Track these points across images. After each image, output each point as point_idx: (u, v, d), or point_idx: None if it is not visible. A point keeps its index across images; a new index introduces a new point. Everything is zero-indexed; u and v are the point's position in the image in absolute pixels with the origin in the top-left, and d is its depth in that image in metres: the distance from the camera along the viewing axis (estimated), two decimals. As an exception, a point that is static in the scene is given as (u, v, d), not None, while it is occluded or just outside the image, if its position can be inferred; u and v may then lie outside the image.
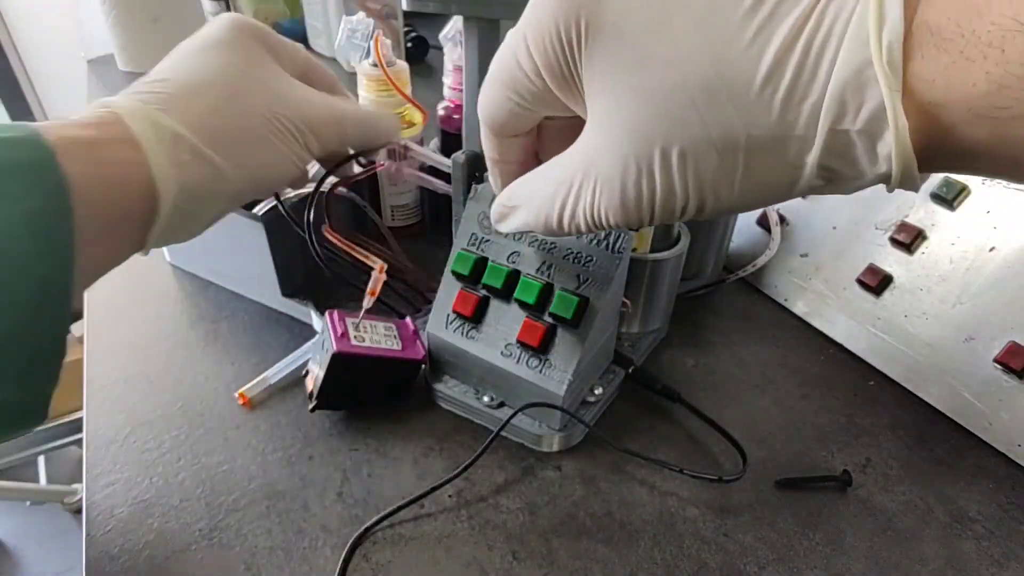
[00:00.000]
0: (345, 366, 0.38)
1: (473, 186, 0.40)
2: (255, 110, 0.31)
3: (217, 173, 0.30)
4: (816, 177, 0.21)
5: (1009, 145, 0.18)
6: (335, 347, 0.37)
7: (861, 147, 0.20)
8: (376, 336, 0.40)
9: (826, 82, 0.19)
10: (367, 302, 0.40)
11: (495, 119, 0.27)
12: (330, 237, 0.43)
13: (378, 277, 0.40)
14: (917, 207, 0.45)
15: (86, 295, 0.52)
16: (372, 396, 0.42)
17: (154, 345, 0.47)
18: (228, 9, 1.09)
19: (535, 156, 0.29)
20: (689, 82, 0.20)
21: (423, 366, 0.42)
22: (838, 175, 0.21)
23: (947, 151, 0.19)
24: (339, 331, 0.38)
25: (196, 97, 0.30)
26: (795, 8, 0.19)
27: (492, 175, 0.30)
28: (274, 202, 0.47)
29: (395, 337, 0.41)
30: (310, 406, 0.40)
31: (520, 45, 0.24)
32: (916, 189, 0.21)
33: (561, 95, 0.24)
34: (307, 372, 0.41)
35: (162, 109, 0.29)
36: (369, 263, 0.42)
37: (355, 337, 0.38)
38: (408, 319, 0.43)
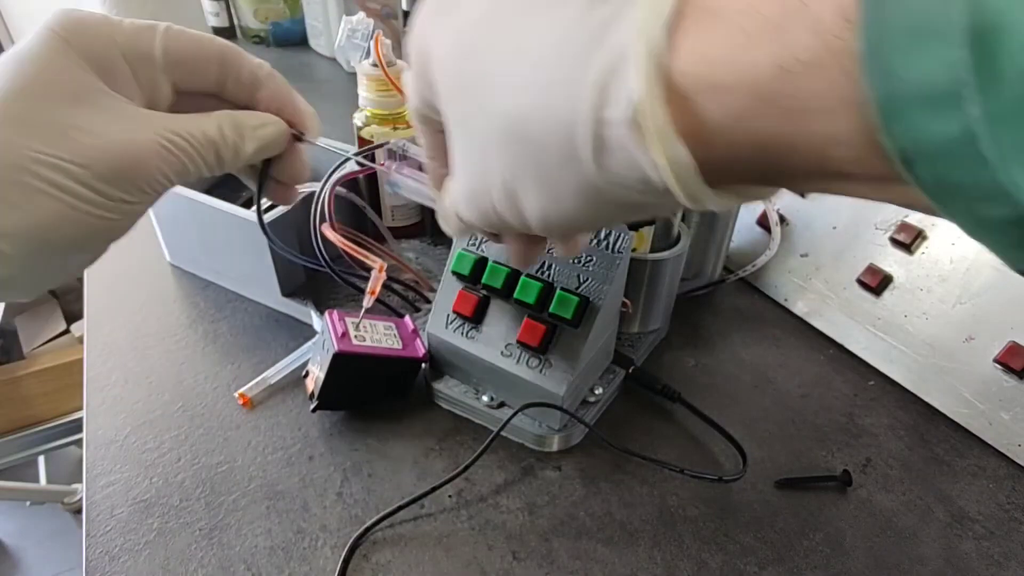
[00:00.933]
0: (346, 366, 0.38)
1: (473, 186, 0.40)
2: (16, 150, 0.24)
3: None
4: (608, 183, 0.19)
5: (802, 147, 0.16)
6: (336, 347, 0.37)
7: (635, 143, 0.17)
8: (376, 335, 0.40)
9: (601, 61, 0.18)
10: (367, 301, 0.40)
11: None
12: (331, 237, 0.43)
13: (378, 276, 0.40)
14: (917, 207, 0.45)
15: (86, 295, 0.52)
16: (373, 395, 0.41)
17: (154, 345, 0.47)
18: (228, 9, 1.09)
19: None
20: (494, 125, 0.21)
21: (424, 365, 0.42)
22: (626, 182, 0.19)
23: (738, 154, 0.17)
24: (339, 331, 0.38)
25: None
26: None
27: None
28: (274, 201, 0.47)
29: (395, 336, 0.41)
30: (311, 406, 0.40)
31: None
32: (715, 207, 0.19)
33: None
34: (307, 373, 0.41)
35: None
36: (369, 262, 0.42)
37: (356, 337, 0.38)
38: (407, 318, 0.43)
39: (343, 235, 0.43)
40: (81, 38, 0.27)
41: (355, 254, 0.42)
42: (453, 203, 0.26)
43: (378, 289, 0.40)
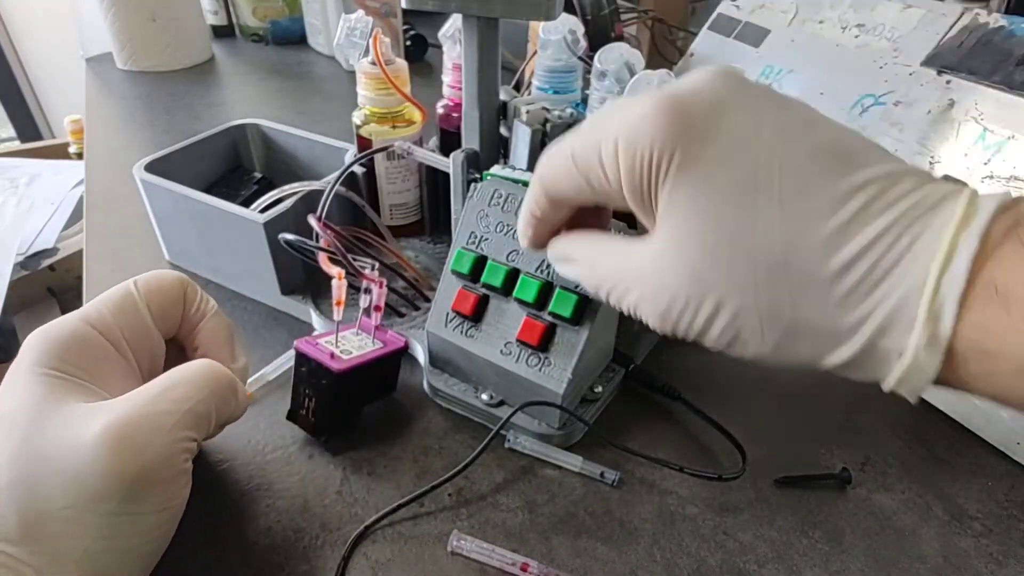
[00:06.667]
0: (348, 383, 0.37)
1: (472, 184, 0.40)
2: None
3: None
4: (838, 366, 0.22)
5: None
6: (334, 369, 0.36)
7: (883, 361, 0.21)
8: (354, 344, 0.39)
9: (881, 300, 0.20)
10: (337, 314, 0.39)
11: (558, 189, 0.28)
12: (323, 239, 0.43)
13: (339, 284, 0.39)
14: (916, 205, 0.45)
15: (85, 294, 0.52)
16: (368, 400, 0.41)
17: (153, 344, 0.47)
18: (227, 7, 1.08)
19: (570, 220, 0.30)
20: (757, 256, 0.22)
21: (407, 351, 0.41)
22: (856, 369, 0.22)
23: (969, 387, 0.21)
24: (327, 352, 0.37)
25: None
26: (878, 218, 0.20)
27: (525, 225, 0.30)
28: (272, 200, 0.47)
29: (370, 339, 0.40)
30: (321, 440, 0.39)
31: (608, 142, 0.24)
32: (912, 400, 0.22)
33: (632, 204, 0.25)
34: (298, 415, 0.39)
35: None
36: (327, 270, 0.40)
37: (343, 352, 0.37)
38: (363, 319, 0.41)
39: (338, 235, 0.43)
40: (67, 352, 0.29)
41: (322, 263, 0.41)
42: (638, 296, 0.26)
43: (343, 299, 0.39)
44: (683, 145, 0.22)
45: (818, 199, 0.21)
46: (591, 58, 0.47)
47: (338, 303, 0.39)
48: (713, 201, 0.22)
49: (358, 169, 0.52)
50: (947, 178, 0.44)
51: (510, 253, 0.38)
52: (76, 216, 1.34)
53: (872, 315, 0.20)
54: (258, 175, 0.60)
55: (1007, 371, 0.19)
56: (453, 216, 0.46)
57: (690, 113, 0.23)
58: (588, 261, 0.29)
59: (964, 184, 0.21)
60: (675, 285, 0.24)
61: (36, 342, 0.29)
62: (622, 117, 0.24)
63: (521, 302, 0.38)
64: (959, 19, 0.47)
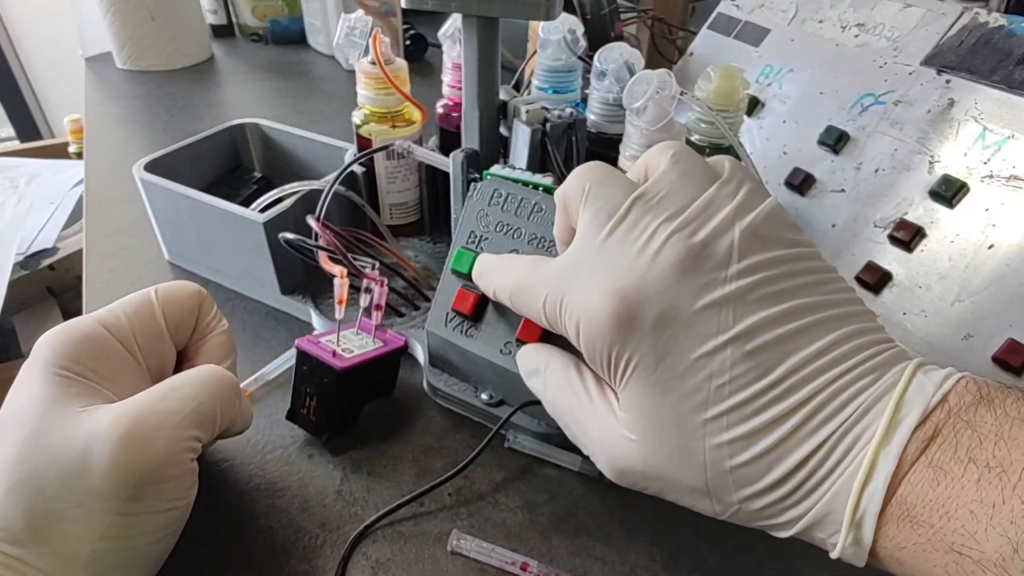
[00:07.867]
0: (350, 381, 0.37)
1: (472, 184, 0.40)
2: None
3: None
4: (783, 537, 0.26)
5: None
6: (337, 367, 0.36)
7: (821, 541, 0.25)
8: (355, 343, 0.39)
9: (813, 507, 0.23)
10: (338, 312, 0.39)
11: (528, 316, 0.32)
12: (323, 238, 0.43)
13: (341, 283, 0.39)
14: (916, 205, 0.45)
15: (84, 293, 0.52)
16: (369, 398, 0.41)
17: (153, 343, 0.47)
18: (226, 6, 1.08)
19: None
20: (707, 463, 0.25)
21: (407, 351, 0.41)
22: (801, 539, 0.26)
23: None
24: (329, 351, 0.37)
25: None
26: (812, 437, 0.23)
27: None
28: (272, 199, 0.47)
29: (370, 338, 0.40)
30: (322, 439, 0.39)
31: (570, 324, 0.27)
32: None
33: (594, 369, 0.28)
34: (297, 415, 0.39)
35: None
36: (329, 270, 0.40)
37: (344, 351, 0.37)
38: (363, 319, 0.41)
39: (338, 235, 0.43)
40: (79, 353, 0.29)
41: (323, 262, 0.41)
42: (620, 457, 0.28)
43: (345, 297, 0.39)
44: (639, 354, 0.25)
45: (759, 419, 0.23)
46: (591, 58, 0.47)
47: (340, 302, 0.39)
48: (668, 411, 0.25)
49: (358, 168, 0.52)
50: (946, 178, 0.44)
51: (510, 252, 0.38)
52: (76, 216, 1.34)
53: (804, 518, 0.24)
54: (258, 175, 0.60)
55: None
56: (453, 216, 0.46)
57: (640, 322, 0.25)
58: (553, 398, 0.32)
59: (908, 357, 0.24)
60: (632, 462, 0.27)
61: (50, 341, 0.30)
62: (581, 304, 0.26)
63: (521, 302, 0.38)
64: (959, 18, 0.47)
